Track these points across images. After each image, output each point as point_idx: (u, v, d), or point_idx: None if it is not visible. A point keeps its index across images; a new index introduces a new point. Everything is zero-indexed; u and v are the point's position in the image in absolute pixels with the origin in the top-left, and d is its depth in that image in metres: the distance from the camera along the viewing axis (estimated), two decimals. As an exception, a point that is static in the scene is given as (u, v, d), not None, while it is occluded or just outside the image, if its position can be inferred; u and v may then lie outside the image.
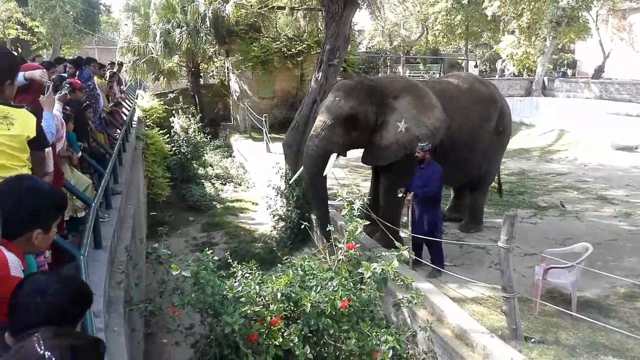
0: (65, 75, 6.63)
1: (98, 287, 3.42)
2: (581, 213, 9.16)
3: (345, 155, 7.86)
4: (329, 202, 8.42)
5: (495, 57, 32.17)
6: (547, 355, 4.41)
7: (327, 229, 5.65)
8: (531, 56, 25.79)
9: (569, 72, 31.20)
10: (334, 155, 6.88)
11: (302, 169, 7.04)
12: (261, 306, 4.15)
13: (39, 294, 1.48)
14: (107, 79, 9.92)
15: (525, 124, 19.84)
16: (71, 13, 25.21)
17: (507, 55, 27.06)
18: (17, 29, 23.95)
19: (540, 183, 11.80)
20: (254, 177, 15.02)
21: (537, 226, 8.50)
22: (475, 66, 33.59)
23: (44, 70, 3.68)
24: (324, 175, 6.94)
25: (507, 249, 4.61)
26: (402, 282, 4.72)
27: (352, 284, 4.49)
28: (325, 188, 7.38)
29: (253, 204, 13.24)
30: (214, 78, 26.16)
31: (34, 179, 1.93)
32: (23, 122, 2.57)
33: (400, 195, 6.54)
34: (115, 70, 11.99)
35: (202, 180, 15.46)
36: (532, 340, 4.72)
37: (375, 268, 4.36)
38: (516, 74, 28.90)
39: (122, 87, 13.42)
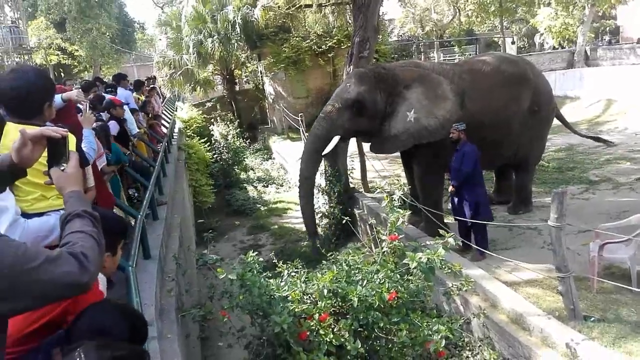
0: (103, 94, 6.83)
1: (149, 296, 3.51)
2: (636, 184, 8.73)
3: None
4: (370, 195, 8.38)
5: (533, 31, 31.14)
6: (609, 333, 4.23)
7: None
8: (570, 27, 24.76)
9: (607, 38, 29.83)
10: (336, 138, 7.10)
11: (335, 140, 7.16)
12: (309, 304, 4.16)
13: (100, 333, 1.52)
14: (145, 93, 10.23)
15: (570, 97, 19.10)
16: (107, 34, 26.10)
17: (545, 29, 26.08)
18: (58, 55, 24.98)
19: (590, 157, 11.33)
20: (294, 177, 15.09)
21: (590, 202, 8.17)
22: (513, 43, 32.54)
23: (80, 90, 3.82)
24: (322, 154, 7.29)
25: (558, 227, 4.45)
26: (450, 270, 4.63)
27: (398, 276, 4.44)
28: (314, 174, 7.82)
29: (296, 203, 13.31)
30: (248, 83, 26.48)
31: (97, 208, 2.04)
32: None
33: (451, 189, 6.46)
34: (153, 85, 12.35)
35: (245, 185, 15.69)
36: (592, 319, 4.53)
37: (420, 258, 4.29)
38: (556, 46, 27.85)
39: (160, 100, 13.78)
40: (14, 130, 1.91)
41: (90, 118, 3.68)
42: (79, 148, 2.77)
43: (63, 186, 1.66)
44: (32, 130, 1.70)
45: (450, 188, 6.48)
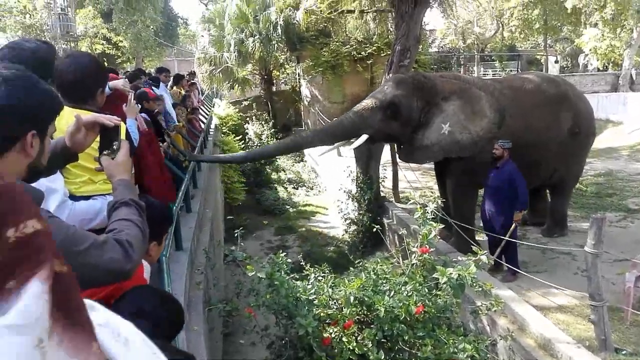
0: (141, 86, 6.93)
1: (179, 287, 3.56)
2: (677, 216, 8.44)
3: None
4: (401, 205, 8.30)
5: (577, 51, 30.43)
6: (642, 369, 4.09)
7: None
8: (617, 49, 24.13)
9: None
10: (364, 136, 6.97)
11: (362, 138, 7.05)
12: (334, 309, 4.14)
13: (140, 316, 1.54)
14: (185, 88, 10.41)
15: (612, 122, 18.61)
16: (152, 27, 26.64)
17: (590, 50, 25.47)
18: (103, 44, 25.62)
19: (630, 184, 11.00)
20: (325, 181, 15.11)
21: (627, 230, 7.93)
22: (556, 62, 31.90)
23: (126, 79, 3.90)
24: (349, 146, 7.33)
25: (594, 254, 4.32)
26: (480, 289, 4.54)
27: (426, 290, 4.38)
28: (306, 148, 8.03)
29: (324, 208, 13.32)
30: (285, 84, 26.65)
31: (147, 197, 2.10)
32: None
33: (517, 220, 6.25)
34: (193, 80, 12.59)
35: (275, 185, 15.78)
36: (624, 352, 4.38)
37: (451, 273, 4.22)
38: (600, 68, 27.19)
39: (199, 96, 14.02)
40: (68, 114, 1.95)
41: (134, 108, 3.73)
42: (127, 137, 2.84)
43: (112, 174, 1.69)
44: (86, 116, 1.74)
45: (517, 215, 6.14)
